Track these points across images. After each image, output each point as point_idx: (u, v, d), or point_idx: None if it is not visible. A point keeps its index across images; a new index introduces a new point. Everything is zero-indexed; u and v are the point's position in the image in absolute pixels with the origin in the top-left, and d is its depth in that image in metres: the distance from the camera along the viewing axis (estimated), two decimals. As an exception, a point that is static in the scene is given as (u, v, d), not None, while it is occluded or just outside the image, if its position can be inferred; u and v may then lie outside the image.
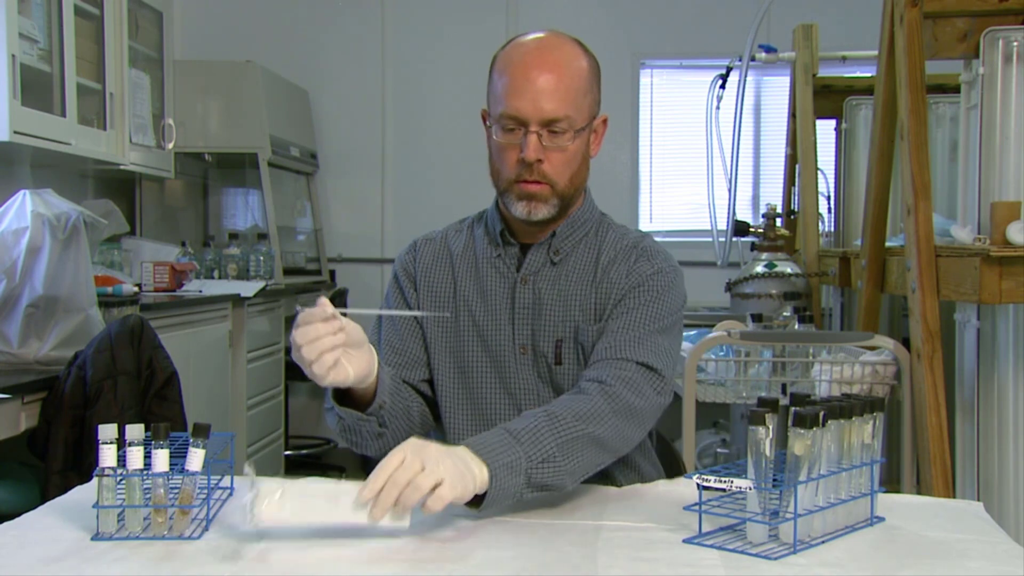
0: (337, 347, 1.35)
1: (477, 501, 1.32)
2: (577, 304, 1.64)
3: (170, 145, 4.23)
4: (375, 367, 1.45)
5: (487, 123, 1.63)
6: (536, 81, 1.55)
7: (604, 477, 1.60)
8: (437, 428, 1.70)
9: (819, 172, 3.95)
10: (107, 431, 1.27)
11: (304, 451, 5.26)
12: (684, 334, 2.63)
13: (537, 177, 1.58)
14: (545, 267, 1.66)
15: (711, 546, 1.25)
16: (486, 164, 1.66)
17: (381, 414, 1.52)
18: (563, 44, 1.61)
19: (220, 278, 4.51)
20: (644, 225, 5.46)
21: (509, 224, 1.68)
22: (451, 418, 1.67)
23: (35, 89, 3.15)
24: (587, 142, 1.63)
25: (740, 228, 3.79)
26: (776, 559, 1.20)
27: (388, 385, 1.53)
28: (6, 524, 1.33)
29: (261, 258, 4.65)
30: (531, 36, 1.62)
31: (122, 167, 3.80)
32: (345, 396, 1.50)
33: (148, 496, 1.28)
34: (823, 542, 1.27)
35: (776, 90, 5.31)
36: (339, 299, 5.12)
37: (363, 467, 5.16)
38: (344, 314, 1.37)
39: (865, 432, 1.33)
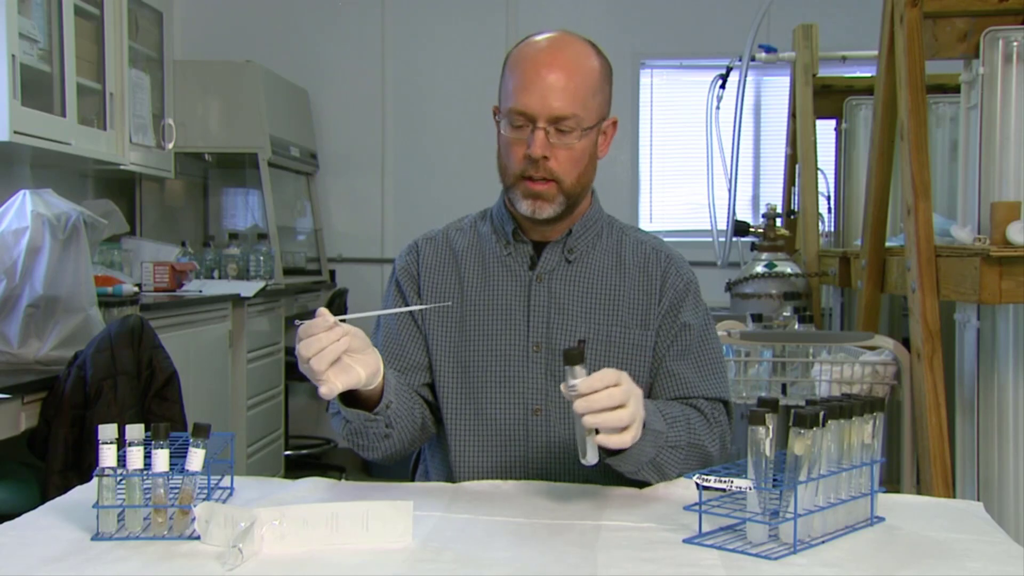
0: (342, 353, 1.36)
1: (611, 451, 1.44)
2: (601, 305, 1.65)
3: (170, 145, 4.22)
4: (381, 368, 1.45)
5: (497, 119, 1.63)
6: (546, 78, 1.56)
7: (619, 476, 1.60)
8: (438, 432, 1.70)
9: (819, 172, 3.95)
10: (107, 431, 1.27)
11: (304, 451, 5.26)
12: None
13: (543, 174, 1.58)
14: (560, 266, 1.67)
15: (711, 546, 1.25)
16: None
17: (388, 414, 1.52)
18: (574, 43, 1.62)
19: (220, 278, 4.51)
20: (644, 225, 5.45)
21: (520, 222, 1.68)
22: (452, 419, 1.66)
23: (35, 89, 3.15)
24: (595, 142, 1.63)
25: (740, 228, 3.80)
26: (776, 559, 1.20)
27: (393, 386, 1.53)
28: (6, 524, 1.33)
29: (261, 258, 4.65)
30: (543, 35, 1.63)
31: (122, 167, 3.80)
32: (351, 400, 1.50)
33: (148, 496, 1.28)
34: (823, 542, 1.27)
35: (776, 90, 5.31)
36: (339, 299, 5.12)
37: (364, 467, 5.16)
38: (344, 320, 1.38)
39: (865, 432, 1.33)
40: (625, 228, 1.75)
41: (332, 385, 1.35)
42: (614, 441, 1.34)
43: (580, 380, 1.33)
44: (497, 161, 1.65)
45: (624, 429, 1.35)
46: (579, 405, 1.32)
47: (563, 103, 1.56)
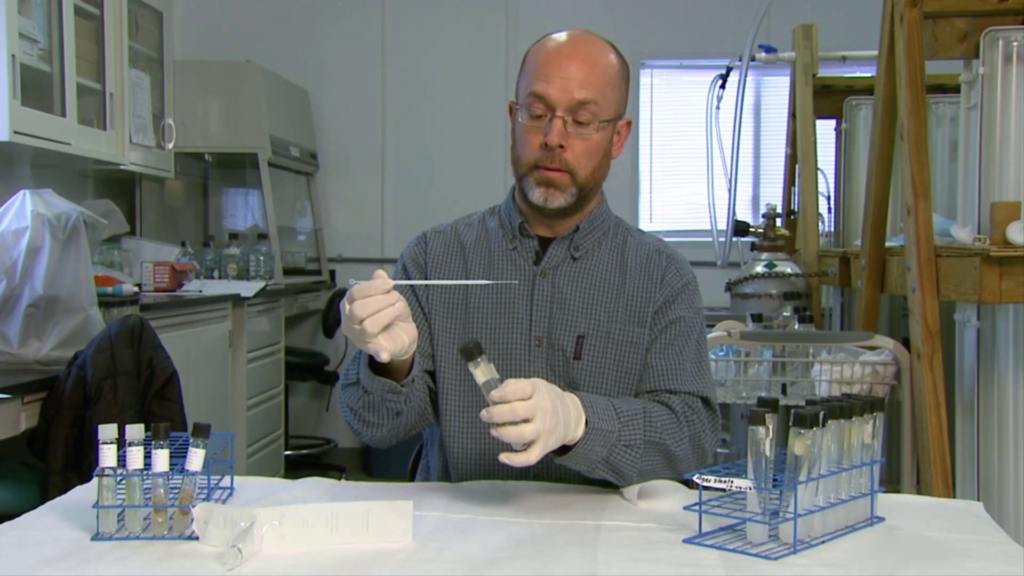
0: (395, 319, 1.35)
1: (560, 450, 1.43)
2: (602, 302, 1.66)
3: (170, 145, 4.22)
4: (416, 340, 1.44)
5: (513, 112, 1.64)
6: (567, 67, 1.58)
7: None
8: (436, 422, 1.70)
9: (819, 172, 3.95)
10: (107, 431, 1.27)
11: (304, 451, 5.26)
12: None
13: (558, 164, 1.59)
14: (565, 262, 1.68)
15: (711, 546, 1.25)
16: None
17: (412, 387, 1.52)
18: (594, 40, 1.66)
19: (220, 278, 4.51)
20: (644, 225, 5.45)
21: (527, 218, 1.69)
22: (450, 410, 1.66)
23: (35, 89, 3.15)
24: (610, 138, 1.64)
25: (740, 228, 3.80)
26: (776, 559, 1.20)
27: (419, 361, 1.54)
28: (6, 524, 1.33)
29: (261, 258, 4.65)
30: (564, 31, 1.66)
31: (122, 167, 3.80)
32: (377, 371, 1.49)
33: (148, 496, 1.28)
34: (823, 542, 1.27)
35: (776, 90, 5.31)
36: (339, 299, 5.12)
37: (363, 468, 5.16)
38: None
39: (865, 432, 1.33)
40: (630, 230, 1.76)
41: (385, 349, 1.34)
42: (517, 460, 1.32)
43: (482, 381, 1.33)
44: (511, 153, 1.67)
45: (529, 445, 1.33)
46: (482, 415, 1.32)
47: (583, 92, 1.58)
